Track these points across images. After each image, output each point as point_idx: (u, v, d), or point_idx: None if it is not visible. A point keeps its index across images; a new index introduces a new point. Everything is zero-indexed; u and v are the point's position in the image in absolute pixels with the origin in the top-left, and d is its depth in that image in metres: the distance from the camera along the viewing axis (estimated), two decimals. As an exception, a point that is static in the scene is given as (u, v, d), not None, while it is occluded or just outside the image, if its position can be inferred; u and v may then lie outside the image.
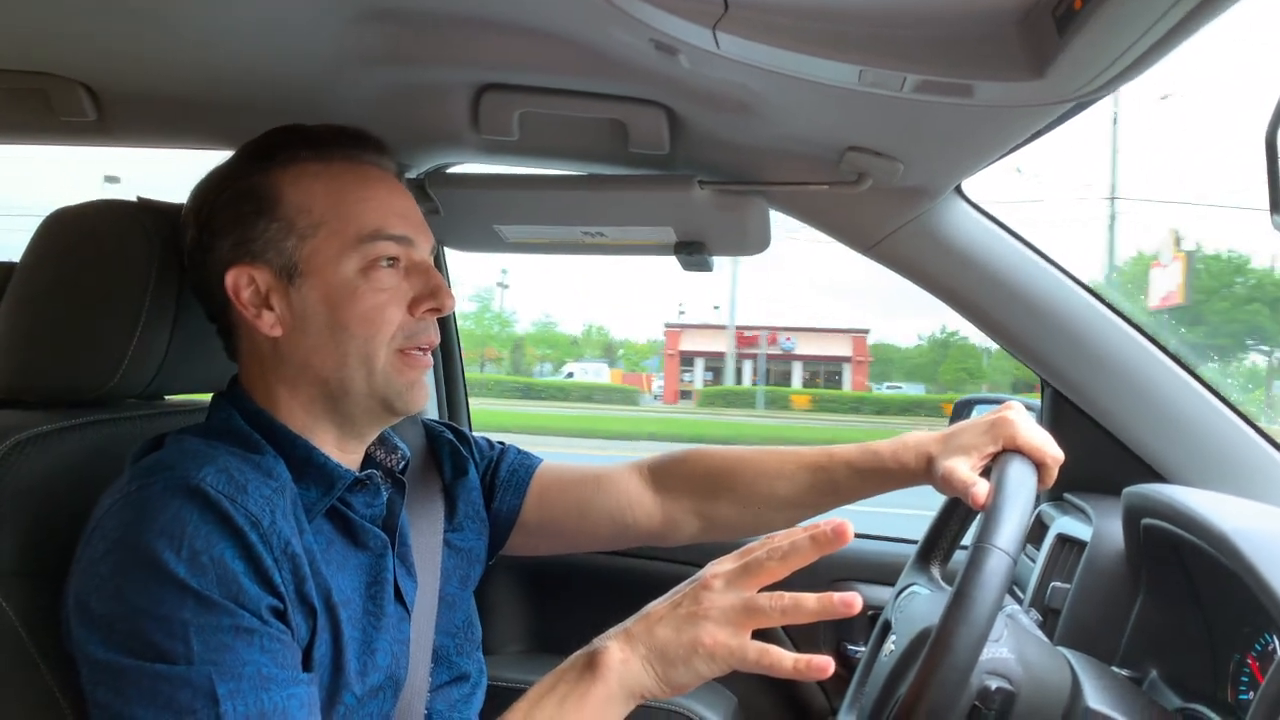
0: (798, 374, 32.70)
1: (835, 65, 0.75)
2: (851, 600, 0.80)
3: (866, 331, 32.70)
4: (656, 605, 0.85)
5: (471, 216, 1.47)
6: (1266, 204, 0.69)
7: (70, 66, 1.20)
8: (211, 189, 0.98)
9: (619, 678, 0.82)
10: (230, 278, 0.95)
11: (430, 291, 0.98)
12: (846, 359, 32.39)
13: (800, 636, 1.69)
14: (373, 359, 0.96)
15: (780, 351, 32.71)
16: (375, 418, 1.01)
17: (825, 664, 0.79)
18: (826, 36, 0.72)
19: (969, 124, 0.99)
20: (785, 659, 0.80)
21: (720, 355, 32.67)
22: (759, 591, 0.83)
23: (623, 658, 0.82)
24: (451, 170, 1.48)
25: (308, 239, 0.95)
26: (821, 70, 0.79)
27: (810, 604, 0.81)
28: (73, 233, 1.03)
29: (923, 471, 1.09)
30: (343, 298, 0.94)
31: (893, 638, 1.07)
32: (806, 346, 32.63)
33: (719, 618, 0.81)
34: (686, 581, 0.86)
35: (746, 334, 32.81)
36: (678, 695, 0.84)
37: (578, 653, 0.85)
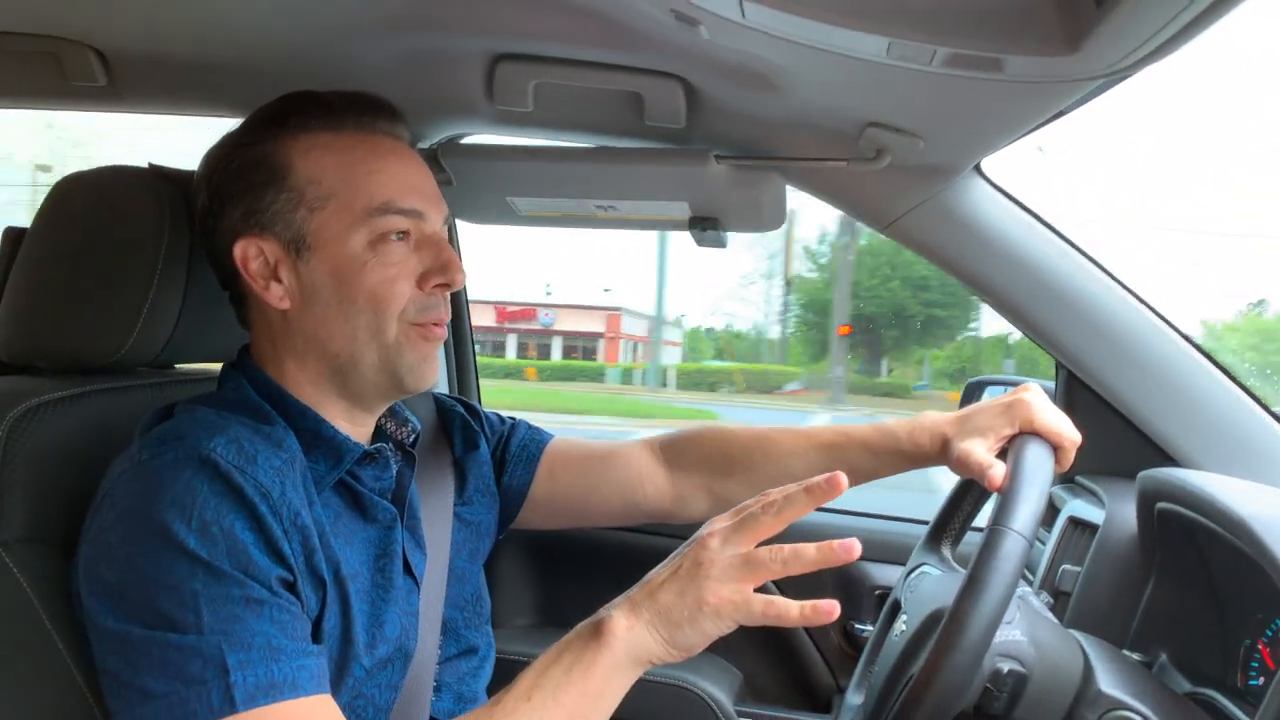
0: (557, 347, 34.40)
1: (863, 37, 0.74)
2: (851, 545, 0.79)
3: (620, 310, 34.22)
4: (657, 571, 0.85)
5: (484, 188, 1.46)
6: None
7: (81, 30, 1.19)
8: (222, 156, 0.97)
9: (625, 645, 0.82)
10: (238, 248, 0.94)
11: (441, 266, 0.97)
12: (600, 335, 33.96)
13: None
14: (383, 333, 0.94)
15: (540, 327, 34.14)
16: (384, 393, 1.00)
17: (831, 607, 0.78)
18: (854, 7, 0.70)
19: (994, 100, 0.97)
20: (791, 607, 0.79)
21: (486, 329, 34.28)
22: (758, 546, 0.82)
23: (628, 624, 0.82)
24: (465, 141, 1.46)
25: (316, 211, 0.93)
26: (848, 42, 0.77)
27: (810, 553, 0.80)
28: (84, 199, 1.02)
29: (938, 452, 1.09)
30: (351, 272, 0.93)
31: (903, 617, 1.07)
32: (565, 323, 34.07)
33: (720, 575, 0.80)
34: (684, 544, 0.85)
35: (508, 309, 34.21)
36: (686, 658, 0.83)
37: (583, 623, 0.85)
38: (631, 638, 0.82)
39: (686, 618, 0.81)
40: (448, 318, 1.01)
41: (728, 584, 0.80)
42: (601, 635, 0.82)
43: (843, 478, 0.80)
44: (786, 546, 0.80)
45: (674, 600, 0.81)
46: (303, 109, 0.97)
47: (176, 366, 1.17)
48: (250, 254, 0.94)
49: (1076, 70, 0.74)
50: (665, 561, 0.85)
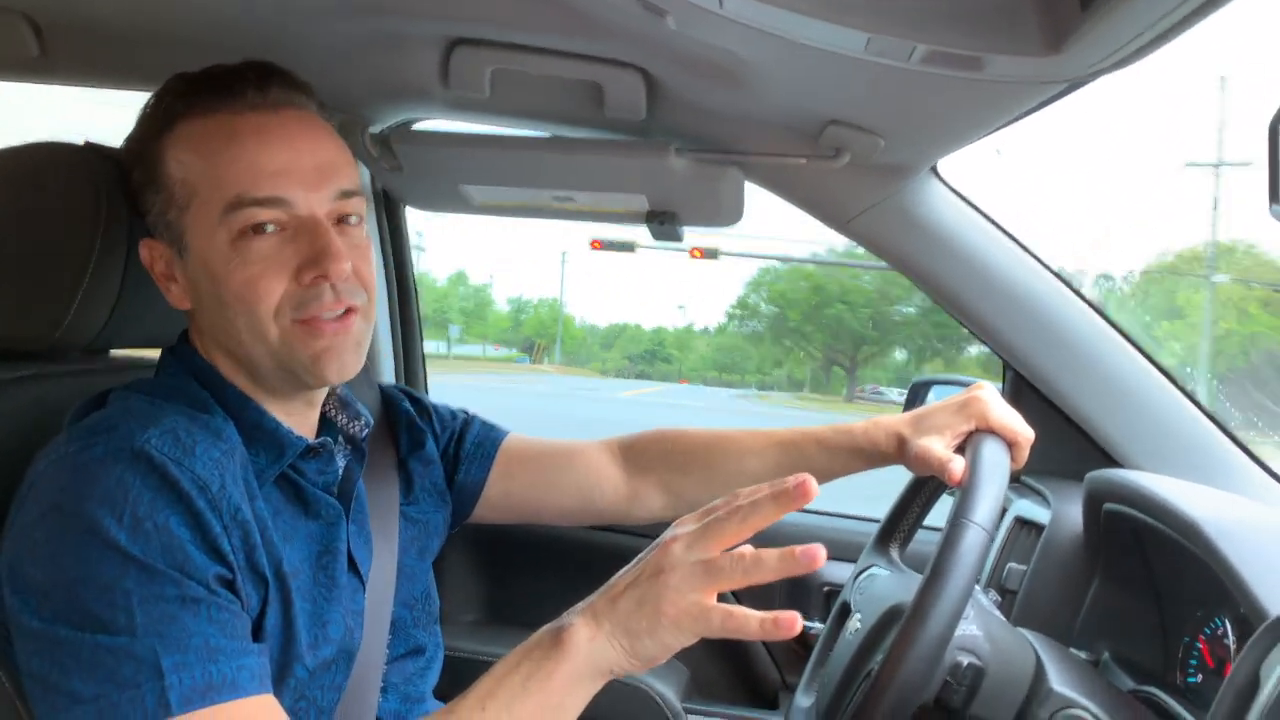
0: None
1: (842, 31, 0.73)
2: (814, 552, 0.74)
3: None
4: (620, 577, 0.81)
5: (437, 175, 1.43)
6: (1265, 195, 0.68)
7: None
8: (123, 155, 0.94)
9: (586, 655, 0.78)
10: (143, 251, 0.93)
11: (314, 256, 0.87)
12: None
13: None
14: (264, 333, 0.88)
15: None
16: (297, 387, 0.94)
17: (792, 620, 0.74)
18: (836, 0, 0.69)
19: (962, 100, 0.97)
20: (751, 620, 0.75)
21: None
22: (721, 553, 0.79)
23: (589, 634, 0.78)
24: (417, 126, 1.43)
25: (185, 211, 0.88)
26: (827, 36, 0.76)
27: (772, 561, 0.75)
28: (15, 175, 0.98)
29: (894, 451, 1.09)
30: (220, 274, 0.87)
31: (856, 616, 1.07)
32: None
33: (680, 584, 0.76)
34: (649, 547, 0.82)
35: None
36: (648, 668, 0.80)
37: (543, 630, 0.81)
38: (593, 648, 0.78)
39: (646, 628, 0.77)
40: (343, 306, 0.90)
41: (688, 593, 0.76)
42: (562, 645, 0.78)
43: (812, 483, 0.77)
44: (749, 553, 0.77)
45: (633, 609, 0.78)
46: (172, 99, 0.91)
47: (112, 352, 1.12)
48: (154, 256, 0.93)
49: (1055, 71, 0.74)
50: (630, 565, 0.82)
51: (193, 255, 0.89)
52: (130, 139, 0.94)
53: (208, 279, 0.89)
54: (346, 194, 0.91)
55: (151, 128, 0.91)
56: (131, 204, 0.95)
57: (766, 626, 0.75)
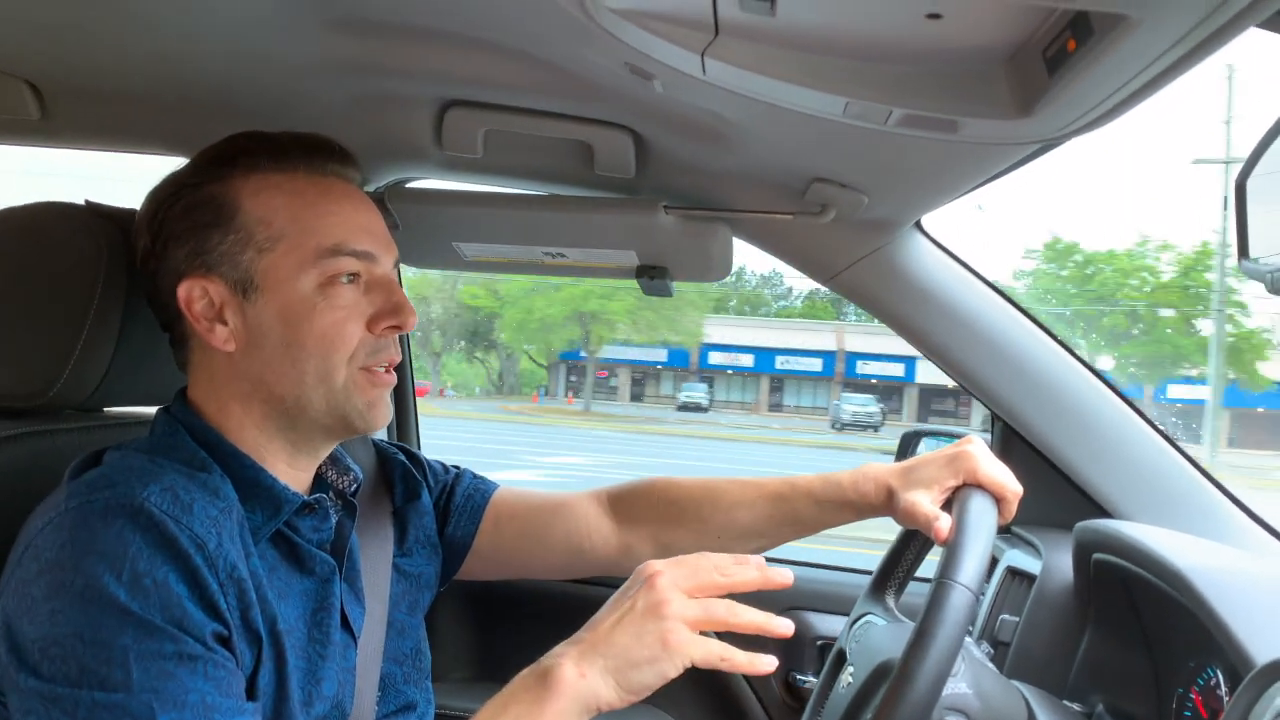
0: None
1: (821, 96, 0.75)
2: (786, 624, 0.82)
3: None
4: (601, 615, 0.83)
5: (431, 233, 1.45)
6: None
7: (12, 60, 1.15)
8: (167, 195, 0.94)
9: (575, 693, 0.79)
10: (183, 290, 0.91)
11: (392, 308, 0.95)
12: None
13: None
14: (332, 377, 0.92)
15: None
16: (331, 436, 0.98)
17: (771, 662, 0.80)
18: (815, 67, 0.72)
19: (940, 159, 1.00)
20: (739, 653, 0.80)
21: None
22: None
23: (579, 672, 0.79)
24: (411, 185, 1.45)
25: (266, 253, 0.91)
26: (806, 100, 0.79)
27: (749, 611, 0.82)
28: (16, 234, 0.99)
29: (883, 504, 1.09)
30: (300, 315, 0.91)
31: (849, 669, 1.07)
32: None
33: (677, 613, 0.80)
34: (623, 587, 0.84)
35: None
36: (637, 700, 0.81)
37: (526, 671, 0.82)
38: (583, 685, 0.79)
39: (646, 658, 0.79)
40: (398, 358, 0.99)
41: (685, 626, 0.80)
42: (550, 685, 0.79)
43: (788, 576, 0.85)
44: (736, 605, 0.82)
45: (632, 642, 0.79)
46: (252, 149, 0.95)
47: (106, 410, 1.12)
48: (195, 295, 0.92)
49: (1026, 133, 0.76)
50: (608, 605, 0.83)
51: (265, 296, 0.91)
52: (184, 183, 0.94)
53: (281, 320, 0.91)
54: (397, 264, 1.02)
55: (221, 172, 0.94)
56: (140, 263, 0.96)
57: (752, 662, 0.81)
